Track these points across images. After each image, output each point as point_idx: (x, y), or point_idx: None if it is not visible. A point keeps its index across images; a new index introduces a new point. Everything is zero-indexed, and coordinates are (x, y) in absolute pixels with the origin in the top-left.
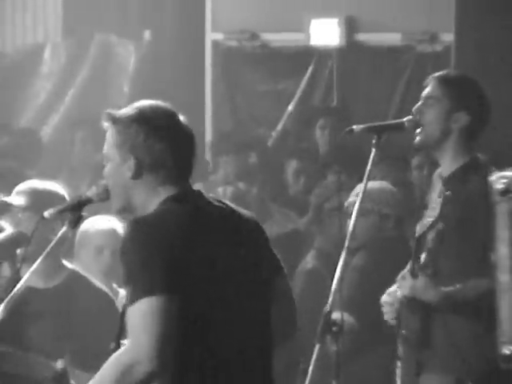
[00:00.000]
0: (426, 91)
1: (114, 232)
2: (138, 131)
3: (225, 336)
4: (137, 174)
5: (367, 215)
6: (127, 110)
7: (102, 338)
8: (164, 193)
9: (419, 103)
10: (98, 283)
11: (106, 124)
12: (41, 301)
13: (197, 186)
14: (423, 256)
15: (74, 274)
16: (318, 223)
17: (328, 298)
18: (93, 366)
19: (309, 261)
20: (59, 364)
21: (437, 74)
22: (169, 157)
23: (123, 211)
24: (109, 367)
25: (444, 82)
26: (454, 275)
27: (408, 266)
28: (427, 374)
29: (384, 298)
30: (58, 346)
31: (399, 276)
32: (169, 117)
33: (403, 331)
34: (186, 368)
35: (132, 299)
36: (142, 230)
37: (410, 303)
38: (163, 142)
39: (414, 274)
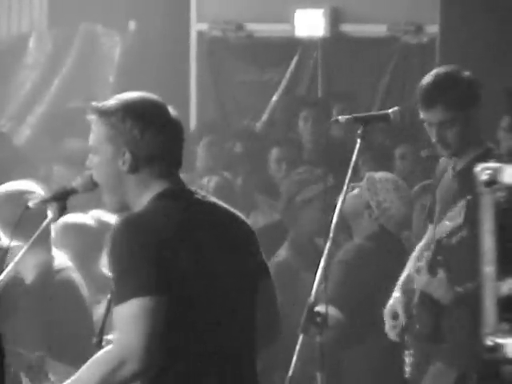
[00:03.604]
0: (436, 118)
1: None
2: (132, 125)
3: (211, 335)
4: (133, 168)
5: (359, 194)
6: (116, 103)
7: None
8: (156, 187)
9: (436, 130)
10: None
11: (91, 117)
12: (18, 292)
13: (182, 176)
14: (443, 259)
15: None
16: (290, 215)
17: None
18: (71, 359)
19: (280, 253)
20: (36, 355)
21: (433, 94)
22: (163, 151)
23: (120, 209)
24: (95, 365)
25: (451, 101)
26: (467, 276)
27: (423, 262)
28: (435, 363)
29: (386, 312)
30: (36, 338)
31: (415, 268)
32: (160, 109)
33: (416, 325)
34: (172, 367)
35: (120, 299)
36: (131, 230)
37: (424, 298)
38: (158, 137)
39: (432, 271)
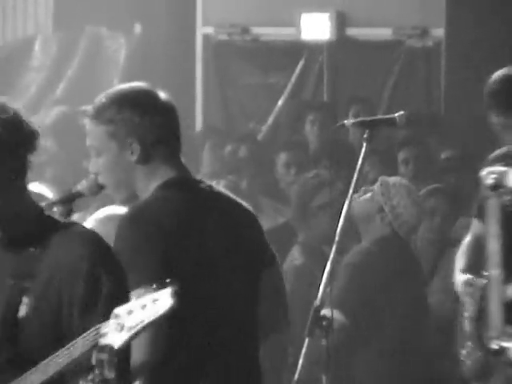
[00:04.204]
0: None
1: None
2: (130, 113)
3: (213, 326)
4: (143, 156)
5: (373, 196)
6: (106, 99)
7: None
8: (163, 174)
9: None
10: None
11: (86, 120)
12: None
13: None
14: None
15: None
16: (302, 220)
17: (318, 292)
18: None
19: (297, 257)
20: None
21: (507, 98)
22: (166, 131)
23: (129, 201)
24: None
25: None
26: None
27: None
28: None
29: (459, 283)
30: None
31: None
32: (150, 93)
33: None
34: (174, 358)
35: None
36: (134, 223)
37: None
38: (157, 118)
39: None
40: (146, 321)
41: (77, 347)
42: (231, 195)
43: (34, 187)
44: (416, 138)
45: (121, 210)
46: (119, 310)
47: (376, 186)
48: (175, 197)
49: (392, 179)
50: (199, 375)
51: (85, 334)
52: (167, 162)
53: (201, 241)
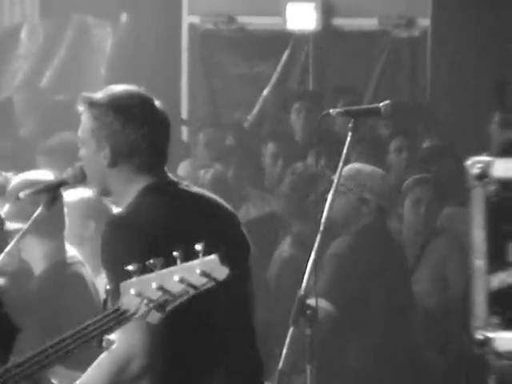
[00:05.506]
0: None
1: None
2: (114, 119)
3: (210, 323)
4: (113, 163)
5: (347, 195)
6: (103, 95)
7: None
8: (141, 182)
9: None
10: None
11: (81, 108)
12: (25, 283)
13: (179, 167)
14: None
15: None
16: (296, 213)
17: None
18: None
19: (286, 249)
20: None
21: None
22: (145, 145)
23: (103, 195)
24: (102, 365)
25: None
26: None
27: None
28: None
29: None
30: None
31: None
32: (145, 104)
33: None
34: (175, 356)
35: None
36: (120, 229)
37: None
38: (140, 131)
39: None
40: (193, 291)
41: (94, 328)
42: (210, 194)
43: (41, 174)
44: (409, 127)
45: (88, 192)
46: (140, 287)
47: (338, 186)
48: (156, 202)
49: (350, 170)
50: (207, 378)
51: (100, 317)
52: (144, 171)
53: (186, 244)
